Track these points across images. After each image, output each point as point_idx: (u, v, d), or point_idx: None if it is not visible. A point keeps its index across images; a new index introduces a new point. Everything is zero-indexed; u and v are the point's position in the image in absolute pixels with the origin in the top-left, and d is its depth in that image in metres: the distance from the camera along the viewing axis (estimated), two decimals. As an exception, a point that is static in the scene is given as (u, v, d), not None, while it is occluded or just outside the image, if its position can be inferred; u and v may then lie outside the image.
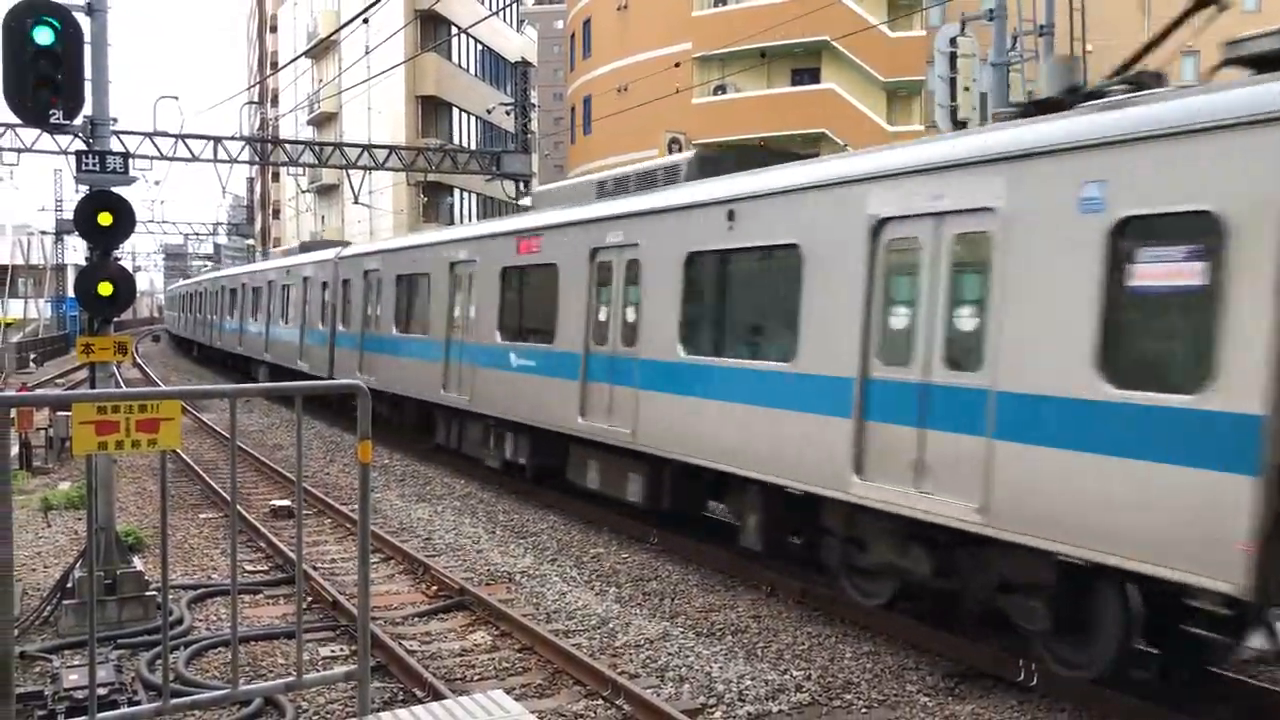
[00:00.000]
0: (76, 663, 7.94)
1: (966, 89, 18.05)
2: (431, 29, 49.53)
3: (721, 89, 39.27)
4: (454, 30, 48.46)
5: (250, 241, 78.69)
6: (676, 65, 37.74)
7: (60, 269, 70.65)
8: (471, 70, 54.32)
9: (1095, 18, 20.94)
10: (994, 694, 7.74)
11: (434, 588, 10.50)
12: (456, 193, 52.01)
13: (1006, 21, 17.53)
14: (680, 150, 36.36)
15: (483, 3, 54.87)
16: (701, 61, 39.22)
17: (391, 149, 33.56)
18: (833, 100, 36.86)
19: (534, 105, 37.34)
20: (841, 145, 33.76)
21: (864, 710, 7.45)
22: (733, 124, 38.58)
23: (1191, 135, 6.41)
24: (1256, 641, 6.89)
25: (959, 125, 17.48)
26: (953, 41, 18.14)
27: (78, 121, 9.01)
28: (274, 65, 74.28)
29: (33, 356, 46.96)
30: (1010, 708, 7.48)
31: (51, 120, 8.68)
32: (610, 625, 9.24)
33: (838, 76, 37.14)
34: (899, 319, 8.51)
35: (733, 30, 36.90)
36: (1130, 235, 6.72)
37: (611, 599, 10.11)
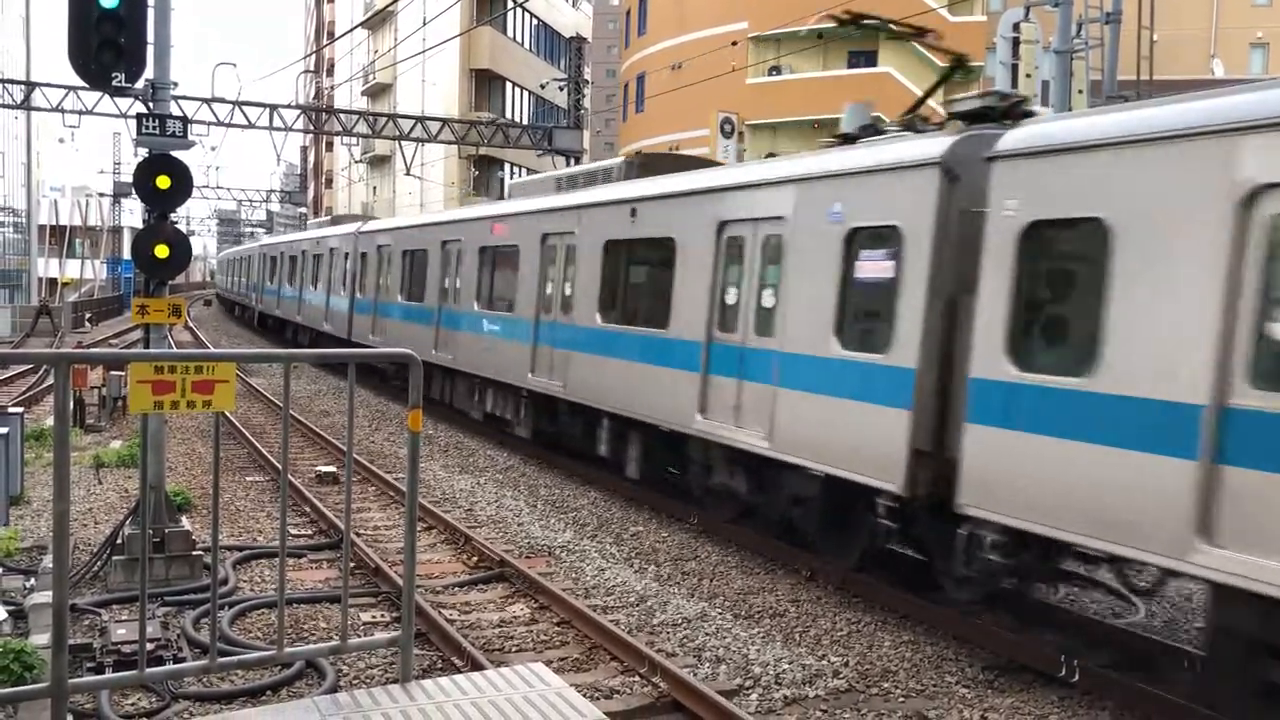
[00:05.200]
0: (124, 618, 8.12)
1: (1028, 76, 17.75)
2: (487, 3, 49.54)
3: (777, 69, 38.90)
4: (510, 4, 48.40)
5: (303, 210, 79.33)
6: (733, 44, 37.42)
7: (117, 231, 71.94)
8: (526, 45, 54.26)
9: (1164, 7, 20.45)
10: (1034, 689, 7.65)
11: (475, 559, 10.57)
12: (507, 167, 52.10)
13: (1072, 8, 17.18)
14: (732, 130, 36.10)
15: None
16: (757, 41, 38.87)
17: (444, 122, 33.65)
18: (889, 84, 36.34)
19: (587, 81, 37.17)
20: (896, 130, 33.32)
21: (901, 699, 7.41)
22: (787, 105, 38.25)
23: (887, 172, 9.04)
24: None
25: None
26: (1016, 27, 17.85)
27: (139, 85, 9.08)
28: (331, 35, 74.73)
29: (88, 316, 47.88)
30: (1051, 703, 7.39)
31: (113, 83, 8.76)
32: (648, 603, 9.26)
33: (895, 60, 36.64)
34: (731, 297, 11.09)
35: (790, 10, 36.49)
36: (857, 241, 9.33)
37: (650, 577, 10.13)
